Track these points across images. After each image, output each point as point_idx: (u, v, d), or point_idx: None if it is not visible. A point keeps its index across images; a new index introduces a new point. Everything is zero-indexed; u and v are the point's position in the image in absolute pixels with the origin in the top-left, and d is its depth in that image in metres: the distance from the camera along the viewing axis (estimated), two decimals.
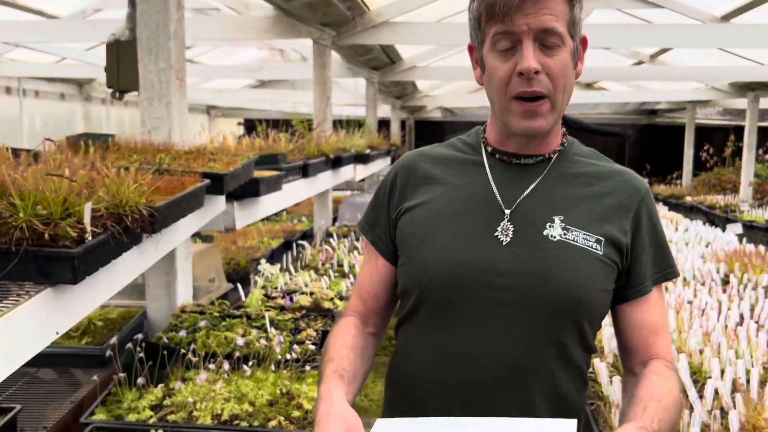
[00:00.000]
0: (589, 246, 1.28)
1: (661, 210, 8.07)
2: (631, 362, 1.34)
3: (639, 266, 1.32)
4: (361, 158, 5.48)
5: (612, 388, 2.26)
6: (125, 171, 1.69)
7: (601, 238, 1.28)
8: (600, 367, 2.37)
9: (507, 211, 1.31)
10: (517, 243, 1.28)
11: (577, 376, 1.33)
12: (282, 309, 3.01)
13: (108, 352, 2.13)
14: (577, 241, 1.28)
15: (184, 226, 2.14)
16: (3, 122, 7.72)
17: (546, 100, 1.25)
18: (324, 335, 2.54)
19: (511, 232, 1.29)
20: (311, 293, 3.40)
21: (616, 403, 2.12)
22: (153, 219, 1.74)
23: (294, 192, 3.65)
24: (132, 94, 2.88)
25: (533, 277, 1.26)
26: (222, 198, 2.47)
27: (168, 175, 2.05)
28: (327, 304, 3.22)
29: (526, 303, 1.26)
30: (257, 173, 2.84)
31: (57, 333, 1.48)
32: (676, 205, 9.44)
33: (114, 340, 2.20)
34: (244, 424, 2.01)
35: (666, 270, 1.36)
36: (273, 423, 2.00)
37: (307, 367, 2.31)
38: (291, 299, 3.25)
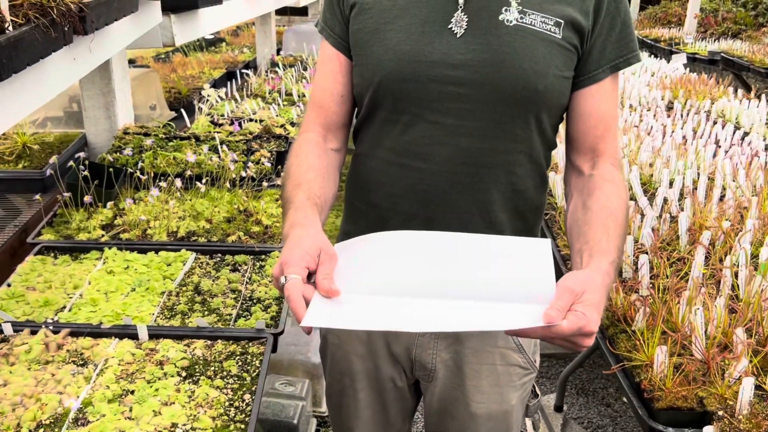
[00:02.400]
0: (547, 30, 1.17)
1: None
2: (577, 156, 1.28)
3: (596, 50, 1.22)
4: None
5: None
6: None
7: (560, 20, 1.18)
8: (556, 179, 2.40)
9: (461, 0, 1.19)
10: (472, 33, 1.18)
11: (536, 172, 1.29)
12: (231, 134, 2.88)
13: (49, 172, 2.00)
14: (534, 25, 1.17)
15: (119, 32, 1.94)
16: None
17: None
18: (279, 155, 2.46)
19: (465, 23, 1.18)
20: (260, 120, 3.26)
21: None
22: (82, 16, 1.55)
23: (235, 10, 3.38)
24: None
25: (488, 66, 1.17)
26: (157, 5, 2.23)
27: None
28: (278, 131, 3.10)
29: (482, 95, 1.18)
30: None
31: None
32: None
33: (54, 159, 2.06)
34: (202, 240, 1.97)
35: (627, 54, 1.24)
36: (232, 238, 1.97)
37: (265, 184, 2.24)
38: (239, 125, 3.11)
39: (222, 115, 3.37)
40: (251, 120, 3.26)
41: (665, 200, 2.29)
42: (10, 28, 1.27)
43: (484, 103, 1.19)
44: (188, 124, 3.12)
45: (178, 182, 2.07)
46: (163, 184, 2.09)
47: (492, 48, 1.17)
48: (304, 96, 3.92)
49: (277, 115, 3.45)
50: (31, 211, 2.20)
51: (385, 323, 0.98)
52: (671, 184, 2.43)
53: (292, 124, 3.31)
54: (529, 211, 1.30)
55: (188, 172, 2.16)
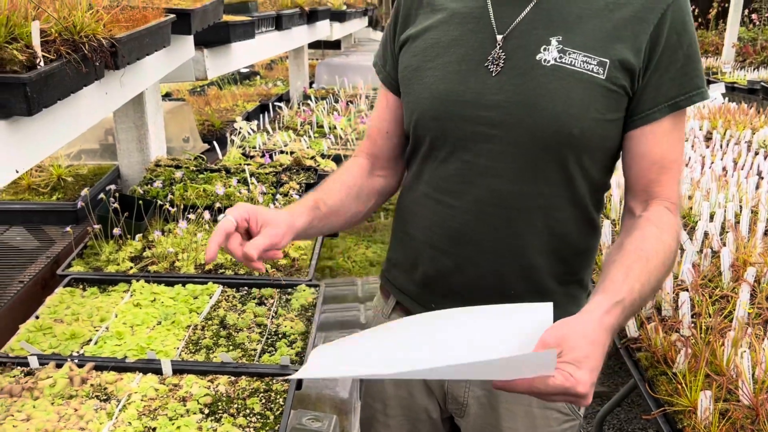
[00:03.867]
0: (588, 70, 1.10)
1: None
2: (631, 197, 1.20)
3: (651, 88, 1.13)
4: (338, 15, 5.17)
5: (603, 231, 2.23)
6: None
7: (605, 60, 1.10)
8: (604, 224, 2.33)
9: (499, 37, 1.16)
10: (507, 72, 1.14)
11: (581, 216, 1.22)
12: (261, 167, 2.89)
13: (80, 204, 2.02)
14: (574, 65, 1.11)
15: (151, 66, 1.97)
16: None
17: None
18: (308, 187, 2.45)
19: (502, 61, 1.15)
20: (291, 152, 3.27)
21: (608, 246, 2.10)
22: (114, 51, 1.57)
23: (267, 44, 3.42)
24: None
25: (521, 108, 1.13)
26: (190, 40, 2.27)
27: (129, 9, 1.84)
28: (309, 162, 3.11)
29: (514, 138, 1.14)
30: (227, 17, 2.62)
31: (17, 171, 1.35)
32: None
33: (86, 191, 2.08)
34: (229, 272, 1.95)
35: (690, 92, 1.13)
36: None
37: None
38: (271, 157, 3.12)
39: (254, 147, 3.39)
40: (282, 152, 3.27)
41: (706, 234, 2.20)
42: (42, 63, 1.28)
43: (515, 145, 1.15)
44: (220, 156, 3.15)
45: (207, 214, 2.07)
46: (192, 216, 2.09)
47: (526, 89, 1.13)
48: (335, 128, 3.93)
49: (308, 147, 3.46)
50: (63, 242, 2.22)
51: (373, 369, 0.96)
52: (712, 217, 2.34)
53: (323, 156, 3.31)
54: (572, 256, 1.24)
55: (217, 205, 2.16)
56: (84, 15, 1.45)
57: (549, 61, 1.12)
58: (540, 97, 1.12)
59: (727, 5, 9.69)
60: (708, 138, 4.33)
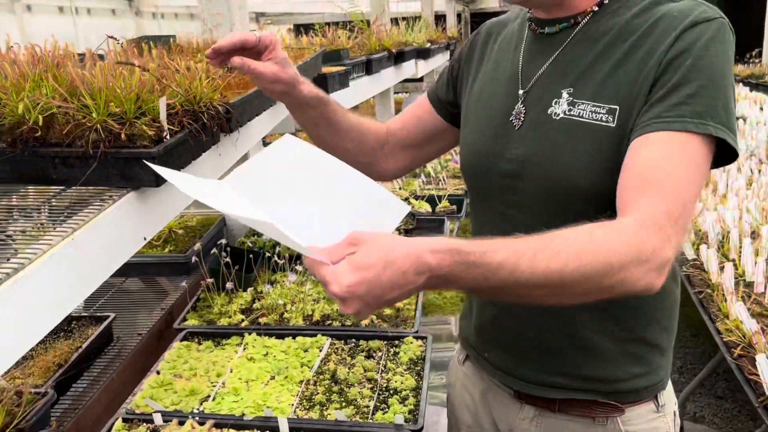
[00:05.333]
0: (597, 120, 1.07)
1: (741, 91, 7.54)
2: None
3: (650, 105, 1.03)
4: (423, 53, 5.21)
5: (723, 276, 2.09)
6: (196, 65, 1.56)
7: (615, 107, 1.06)
8: (708, 254, 2.20)
9: (521, 92, 1.19)
10: (526, 126, 1.17)
11: None
12: None
13: (194, 259, 2.10)
14: (582, 116, 1.09)
15: (258, 125, 2.03)
16: (60, 42, 7.69)
17: None
18: (406, 233, 2.45)
19: (522, 115, 1.18)
20: None
21: (731, 291, 1.96)
22: (228, 117, 1.63)
23: (359, 89, 3.48)
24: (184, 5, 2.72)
25: (533, 163, 1.14)
26: None
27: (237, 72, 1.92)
28: None
29: (531, 191, 1.16)
30: (324, 69, 2.69)
31: (145, 238, 1.41)
32: (756, 85, 8.74)
33: (198, 246, 2.17)
34: (336, 324, 1.96)
35: (685, 117, 0.98)
36: (365, 322, 1.95)
37: None
38: None
39: None
40: None
41: None
42: (168, 136, 1.35)
43: (535, 198, 1.16)
44: None
45: None
46: (299, 267, 2.12)
47: (537, 143, 1.15)
48: (425, 167, 3.93)
49: (400, 189, 3.48)
50: (176, 292, 2.31)
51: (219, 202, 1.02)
52: None
53: (416, 197, 3.31)
54: (621, 312, 1.18)
55: None
56: (203, 85, 1.51)
57: (558, 115, 1.12)
58: (548, 151, 1.13)
59: None
60: None
